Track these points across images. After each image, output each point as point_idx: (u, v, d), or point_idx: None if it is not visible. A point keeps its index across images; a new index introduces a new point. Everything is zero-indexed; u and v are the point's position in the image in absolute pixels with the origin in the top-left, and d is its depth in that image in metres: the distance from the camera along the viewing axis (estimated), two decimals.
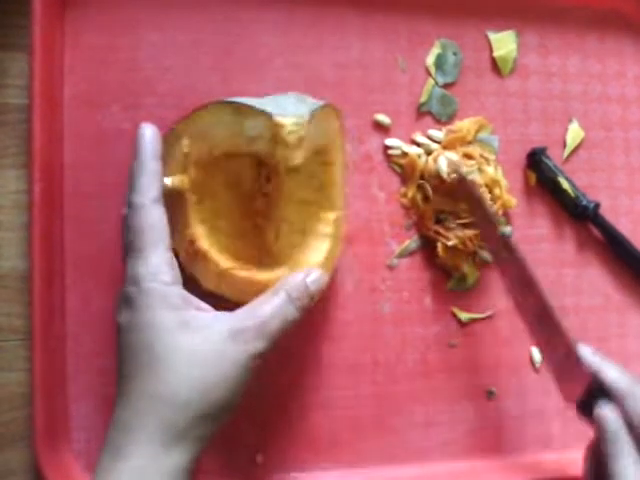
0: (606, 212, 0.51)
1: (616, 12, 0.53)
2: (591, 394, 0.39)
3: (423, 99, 0.48)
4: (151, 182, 0.36)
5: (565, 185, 0.50)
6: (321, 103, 0.40)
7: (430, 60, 0.49)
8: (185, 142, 0.38)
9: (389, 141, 0.48)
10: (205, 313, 0.35)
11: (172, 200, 0.38)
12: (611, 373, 0.39)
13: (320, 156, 0.41)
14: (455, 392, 0.48)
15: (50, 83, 0.42)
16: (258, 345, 0.35)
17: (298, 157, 0.37)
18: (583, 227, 0.51)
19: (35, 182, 0.41)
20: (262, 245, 0.41)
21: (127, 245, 0.36)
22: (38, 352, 0.41)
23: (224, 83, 0.45)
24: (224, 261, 0.39)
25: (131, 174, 0.37)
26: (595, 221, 0.51)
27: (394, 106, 0.48)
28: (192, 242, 0.39)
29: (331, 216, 0.42)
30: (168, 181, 0.38)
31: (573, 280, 0.51)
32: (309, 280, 0.38)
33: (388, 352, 0.47)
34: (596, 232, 0.51)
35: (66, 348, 0.42)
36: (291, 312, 0.37)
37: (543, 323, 0.41)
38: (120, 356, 0.35)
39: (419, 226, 0.48)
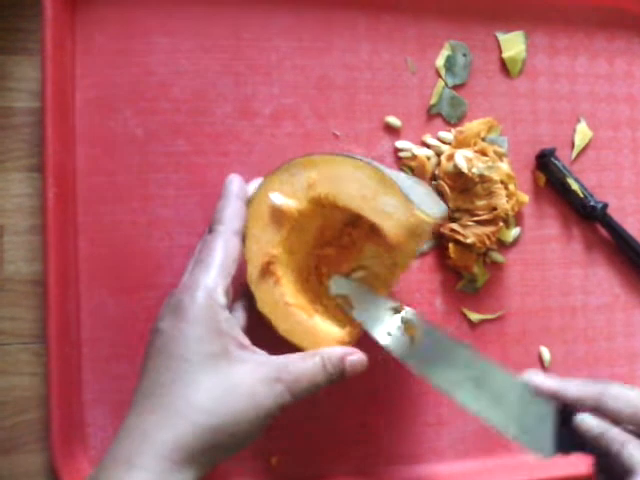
0: (614, 212, 0.51)
1: (624, 12, 0.53)
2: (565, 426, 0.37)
3: (433, 101, 0.49)
4: (235, 216, 0.39)
5: (574, 186, 0.50)
6: (443, 205, 0.44)
7: (440, 62, 0.49)
8: (313, 175, 0.39)
9: (399, 143, 0.48)
10: (247, 351, 0.36)
11: (269, 215, 0.39)
12: (571, 389, 0.37)
13: None
14: None
15: (62, 88, 0.42)
16: (286, 398, 0.35)
17: (419, 250, 0.39)
18: (591, 227, 0.52)
19: (49, 187, 0.41)
20: (317, 291, 0.42)
21: (195, 260, 0.37)
22: (54, 358, 0.41)
23: (235, 86, 0.46)
24: (290, 295, 0.40)
25: (217, 209, 0.39)
26: (603, 221, 0.51)
27: (404, 108, 0.48)
28: (269, 263, 0.39)
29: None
30: (279, 200, 0.39)
31: (581, 280, 0.51)
32: (348, 360, 0.38)
33: None
34: (604, 232, 0.52)
35: (81, 354, 0.43)
36: (321, 379, 0.37)
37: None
38: (150, 361, 0.35)
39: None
